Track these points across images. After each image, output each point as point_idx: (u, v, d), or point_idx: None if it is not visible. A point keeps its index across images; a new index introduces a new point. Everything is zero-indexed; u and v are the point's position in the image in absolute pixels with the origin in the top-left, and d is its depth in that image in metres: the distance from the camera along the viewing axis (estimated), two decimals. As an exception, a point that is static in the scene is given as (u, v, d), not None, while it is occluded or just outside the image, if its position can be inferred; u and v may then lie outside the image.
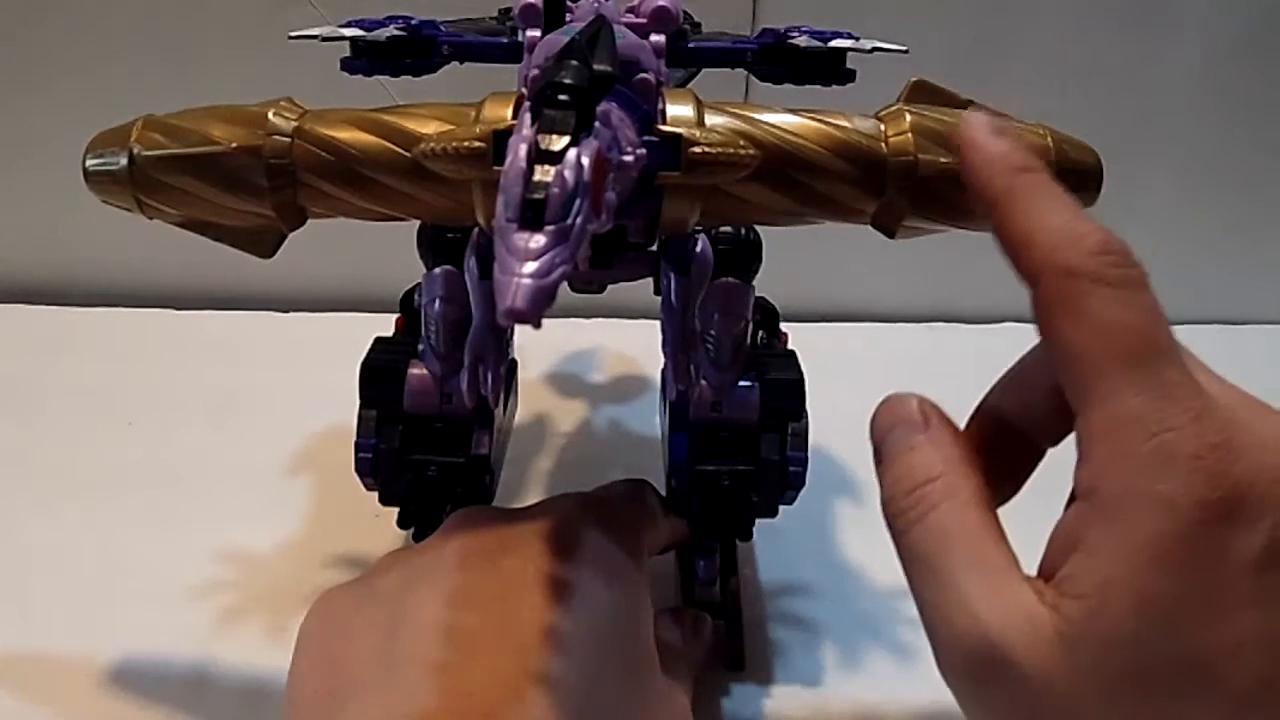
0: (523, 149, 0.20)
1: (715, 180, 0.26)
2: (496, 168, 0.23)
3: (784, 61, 0.34)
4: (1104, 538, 0.22)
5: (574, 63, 0.22)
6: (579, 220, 0.20)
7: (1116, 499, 0.22)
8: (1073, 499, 0.24)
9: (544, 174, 0.20)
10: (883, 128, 0.28)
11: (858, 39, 0.33)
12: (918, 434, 0.26)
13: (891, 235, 0.29)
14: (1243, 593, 0.22)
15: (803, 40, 0.33)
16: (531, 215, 0.19)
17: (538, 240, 0.19)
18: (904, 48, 0.32)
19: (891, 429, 0.27)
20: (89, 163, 0.28)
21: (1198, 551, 0.21)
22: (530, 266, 0.19)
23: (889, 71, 0.31)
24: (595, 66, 0.23)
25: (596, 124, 0.21)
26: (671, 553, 0.38)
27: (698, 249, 0.32)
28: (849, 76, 0.34)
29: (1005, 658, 0.22)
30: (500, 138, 0.23)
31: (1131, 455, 0.22)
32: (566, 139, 0.20)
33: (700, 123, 0.26)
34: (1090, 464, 0.23)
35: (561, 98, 0.21)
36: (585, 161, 0.20)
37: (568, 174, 0.20)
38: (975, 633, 0.23)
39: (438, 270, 0.36)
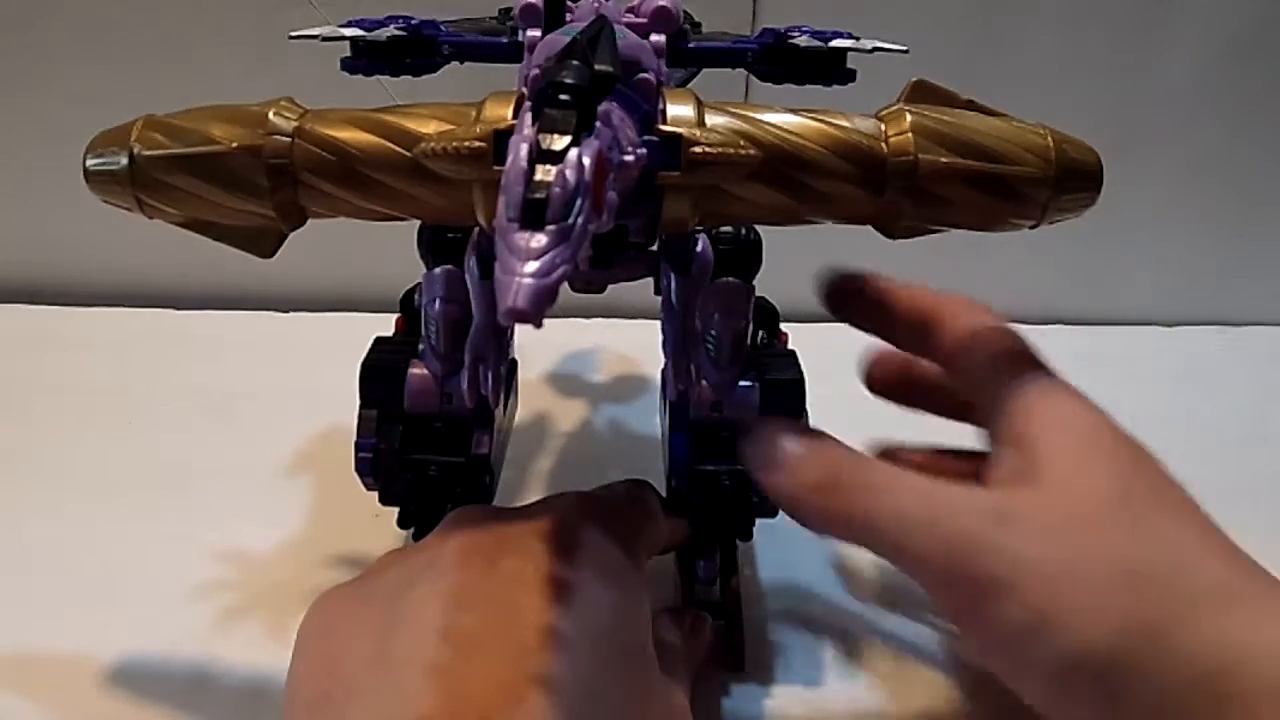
0: (524, 149, 0.20)
1: (715, 180, 0.26)
2: (497, 167, 0.23)
3: (784, 61, 0.34)
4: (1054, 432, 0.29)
5: (575, 62, 0.22)
6: (580, 220, 0.20)
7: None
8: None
9: (545, 174, 0.20)
10: (883, 128, 0.28)
11: (858, 39, 0.33)
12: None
13: (891, 235, 0.29)
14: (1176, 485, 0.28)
15: (803, 40, 0.33)
16: (533, 215, 0.19)
17: (539, 240, 0.19)
18: (904, 48, 0.32)
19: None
20: (89, 163, 0.28)
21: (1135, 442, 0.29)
22: (531, 266, 0.19)
23: (889, 71, 0.31)
24: (596, 66, 0.23)
25: (597, 124, 0.21)
26: (671, 553, 0.38)
27: (698, 249, 0.32)
28: (849, 76, 0.34)
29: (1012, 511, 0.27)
30: (501, 137, 0.23)
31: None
32: (567, 139, 0.20)
33: (700, 123, 0.26)
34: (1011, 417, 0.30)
35: (563, 97, 0.21)
36: (586, 161, 0.20)
37: (569, 174, 0.20)
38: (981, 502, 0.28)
39: (438, 270, 0.36)
